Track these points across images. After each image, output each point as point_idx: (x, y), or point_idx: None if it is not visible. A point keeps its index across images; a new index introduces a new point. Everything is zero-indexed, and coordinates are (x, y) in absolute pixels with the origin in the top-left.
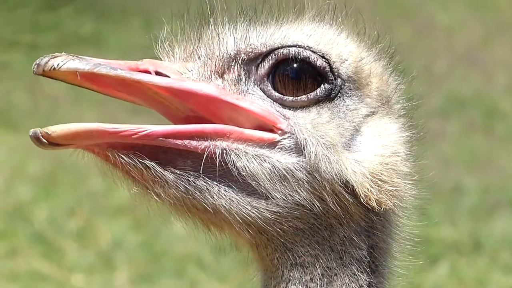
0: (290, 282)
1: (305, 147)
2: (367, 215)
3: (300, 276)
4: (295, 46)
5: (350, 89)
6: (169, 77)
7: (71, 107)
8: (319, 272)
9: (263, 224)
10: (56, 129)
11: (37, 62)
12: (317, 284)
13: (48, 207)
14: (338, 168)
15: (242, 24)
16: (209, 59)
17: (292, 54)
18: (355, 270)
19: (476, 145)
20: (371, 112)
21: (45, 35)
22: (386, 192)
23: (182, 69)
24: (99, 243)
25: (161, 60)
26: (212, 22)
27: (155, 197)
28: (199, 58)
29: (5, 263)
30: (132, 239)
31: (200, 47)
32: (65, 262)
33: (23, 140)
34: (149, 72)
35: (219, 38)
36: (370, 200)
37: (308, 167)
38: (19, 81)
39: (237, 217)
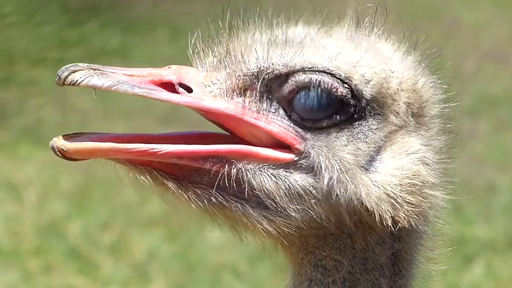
0: (313, 282)
1: (320, 170)
2: (389, 228)
3: (322, 278)
4: (315, 71)
5: (374, 108)
6: (191, 89)
7: (101, 120)
8: (341, 276)
9: (281, 234)
10: (72, 146)
11: (59, 74)
12: (339, 287)
13: (82, 221)
14: (353, 190)
15: (266, 40)
16: (233, 74)
17: (312, 81)
18: (377, 275)
19: (508, 144)
20: (395, 129)
21: (71, 50)
22: (405, 212)
23: (207, 81)
24: (134, 255)
25: (192, 66)
26: (237, 37)
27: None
28: (225, 70)
29: (41, 279)
30: (166, 250)
31: (226, 61)
32: (101, 276)
33: (54, 156)
34: (173, 84)
35: (242, 55)
36: (386, 220)
37: (324, 188)
38: (47, 97)
39: (256, 229)
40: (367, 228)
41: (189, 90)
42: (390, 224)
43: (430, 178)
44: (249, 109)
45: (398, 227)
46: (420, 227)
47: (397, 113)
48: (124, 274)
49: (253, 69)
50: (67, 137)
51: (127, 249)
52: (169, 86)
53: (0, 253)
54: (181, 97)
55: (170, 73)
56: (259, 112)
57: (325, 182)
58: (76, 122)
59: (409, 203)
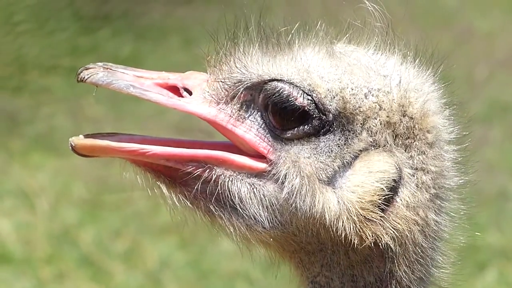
0: None
1: (283, 180)
2: (368, 246)
3: None
4: (281, 80)
5: (342, 124)
6: (191, 93)
7: (113, 128)
8: None
9: (264, 243)
10: (78, 142)
11: (77, 72)
12: None
13: (94, 229)
14: (312, 203)
15: (252, 52)
16: (224, 82)
17: (278, 89)
18: None
19: None
20: (367, 147)
21: (84, 58)
22: (371, 230)
23: (207, 87)
24: (146, 263)
25: (207, 72)
26: (233, 48)
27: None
28: (220, 79)
29: (54, 287)
30: (179, 258)
31: (221, 70)
32: (113, 284)
33: (67, 164)
34: (177, 88)
35: (229, 64)
36: (345, 236)
37: (285, 199)
38: (60, 105)
39: (235, 234)
40: (346, 245)
41: (191, 94)
42: (354, 241)
43: (413, 200)
44: (230, 116)
45: (364, 244)
46: (411, 248)
47: (371, 131)
48: (137, 282)
49: (237, 78)
50: (88, 135)
51: (140, 257)
52: (175, 89)
53: (13, 261)
54: (168, 100)
55: (178, 77)
56: (238, 120)
57: (285, 192)
58: (89, 130)
59: (371, 220)
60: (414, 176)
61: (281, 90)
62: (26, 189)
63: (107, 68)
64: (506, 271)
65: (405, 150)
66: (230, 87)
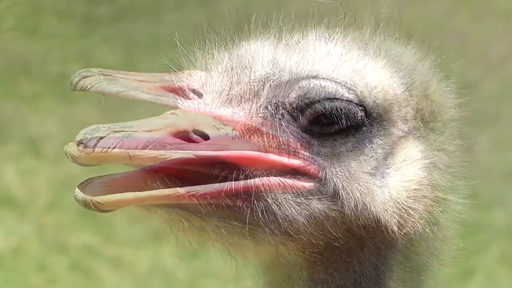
0: None
1: (342, 193)
2: (390, 240)
3: None
4: (332, 99)
5: (379, 125)
6: (208, 136)
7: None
8: None
9: (287, 255)
10: (110, 199)
11: (84, 142)
12: None
13: None
14: (372, 209)
15: (277, 73)
16: (243, 110)
17: (329, 109)
18: (365, 286)
19: None
20: (403, 135)
21: (99, 7)
22: (413, 220)
23: (217, 123)
24: (146, 219)
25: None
26: (245, 72)
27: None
28: (231, 109)
29: (54, 235)
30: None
31: (233, 97)
32: (114, 236)
33: (76, 112)
34: (188, 132)
35: (252, 90)
36: (394, 230)
37: (344, 210)
38: (72, 51)
39: (267, 254)
40: (371, 241)
41: (203, 135)
42: (399, 236)
43: (441, 182)
44: (269, 146)
45: (405, 235)
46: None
47: (405, 119)
48: (138, 235)
49: (267, 105)
50: (84, 186)
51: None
52: (183, 135)
53: (16, 206)
54: (208, 148)
55: (182, 121)
56: (278, 148)
57: (349, 204)
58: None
59: (416, 210)
60: (439, 158)
61: (338, 109)
62: (33, 135)
63: (106, 75)
64: (509, 251)
65: (432, 133)
66: (256, 118)
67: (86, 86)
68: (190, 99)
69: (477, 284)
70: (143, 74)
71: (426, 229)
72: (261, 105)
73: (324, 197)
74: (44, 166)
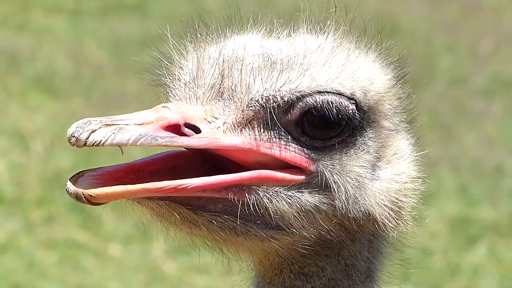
0: None
1: (333, 186)
2: (382, 233)
3: (302, 285)
4: (323, 92)
5: (370, 118)
6: (197, 128)
7: (113, 75)
8: (322, 282)
9: (280, 250)
10: (101, 192)
11: (75, 135)
12: None
13: None
14: (363, 202)
15: (266, 65)
16: (235, 104)
17: (320, 103)
18: (356, 280)
19: None
20: (392, 129)
21: (88, 2)
22: (405, 214)
23: (209, 116)
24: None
25: (178, 98)
26: (236, 65)
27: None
28: (223, 102)
29: (43, 230)
30: None
31: (224, 90)
32: (102, 232)
33: (65, 107)
34: (179, 125)
35: (243, 83)
36: (386, 226)
37: (335, 203)
38: (61, 46)
39: (259, 248)
40: (363, 234)
41: (195, 128)
42: (390, 229)
43: (416, 173)
44: (260, 139)
45: (396, 228)
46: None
47: (395, 112)
48: (126, 231)
49: (258, 99)
50: (75, 179)
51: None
52: (175, 128)
53: (4, 201)
54: (200, 141)
55: (173, 113)
56: (269, 141)
57: (338, 196)
58: (89, 75)
59: (407, 202)
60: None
61: (326, 101)
62: (22, 130)
63: (111, 125)
64: (497, 247)
65: (406, 126)
66: (247, 111)
67: (101, 141)
68: (185, 134)
69: (465, 280)
70: (136, 115)
71: (416, 222)
72: (252, 98)
73: (316, 190)
74: (32, 162)
